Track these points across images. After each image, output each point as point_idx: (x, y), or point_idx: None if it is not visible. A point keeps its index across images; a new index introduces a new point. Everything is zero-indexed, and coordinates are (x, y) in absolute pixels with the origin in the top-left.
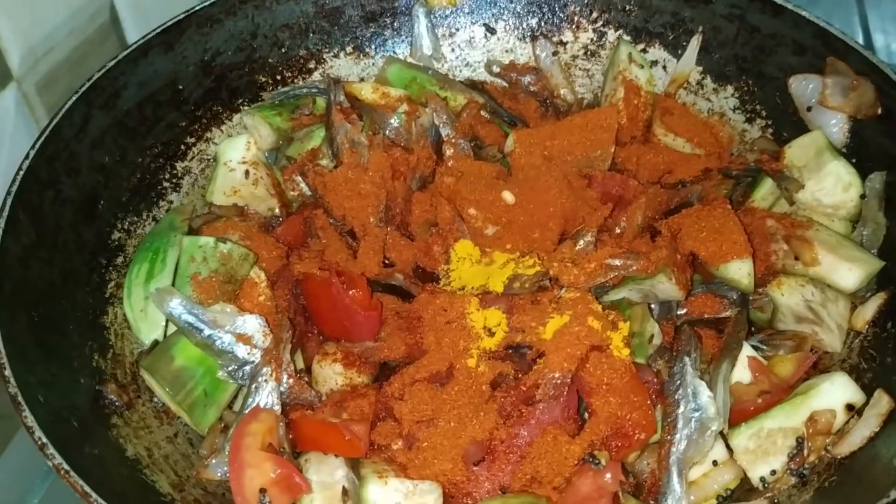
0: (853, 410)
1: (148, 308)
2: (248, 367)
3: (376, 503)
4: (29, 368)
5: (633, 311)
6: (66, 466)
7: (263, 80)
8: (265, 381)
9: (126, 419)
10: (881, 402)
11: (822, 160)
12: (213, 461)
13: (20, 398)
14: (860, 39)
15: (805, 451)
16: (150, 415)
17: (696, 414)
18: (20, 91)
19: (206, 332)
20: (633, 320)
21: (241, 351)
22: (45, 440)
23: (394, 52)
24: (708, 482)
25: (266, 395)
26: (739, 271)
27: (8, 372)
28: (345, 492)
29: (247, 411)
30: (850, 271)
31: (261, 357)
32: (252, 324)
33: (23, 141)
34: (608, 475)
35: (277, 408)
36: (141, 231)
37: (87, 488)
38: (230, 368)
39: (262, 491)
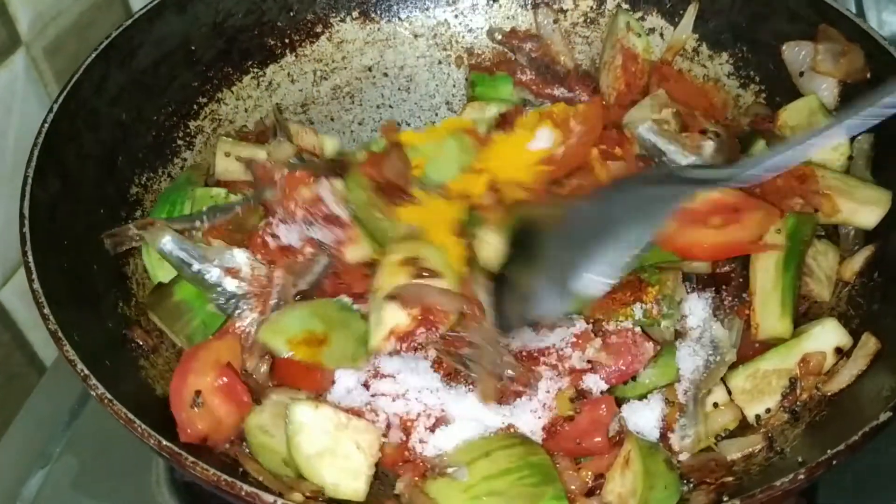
0: (842, 353)
1: None
2: (236, 300)
3: (303, 424)
4: (63, 310)
5: (662, 276)
6: (108, 396)
7: (272, 42)
8: (249, 310)
9: (152, 361)
10: (868, 344)
11: (814, 121)
12: None
13: (60, 333)
14: (852, 7)
15: (797, 391)
16: (173, 358)
17: (712, 345)
18: (29, 55)
19: (196, 266)
20: (662, 284)
21: (230, 284)
22: (87, 372)
23: (398, 18)
24: (708, 422)
25: (247, 323)
26: None
27: (47, 310)
28: None
29: None
30: (872, 212)
31: (248, 287)
32: (240, 257)
33: (33, 105)
34: (603, 408)
35: (253, 337)
36: (157, 187)
37: (130, 415)
38: (220, 302)
39: (197, 393)
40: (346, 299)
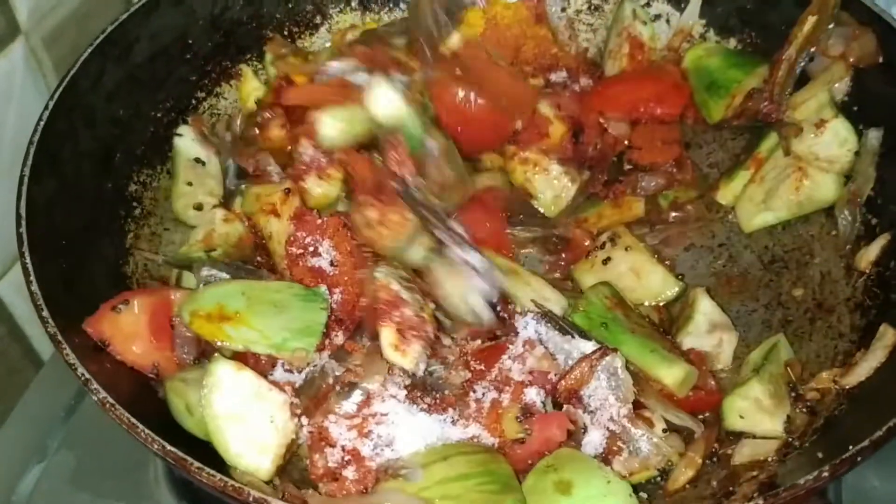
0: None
1: None
2: None
3: (220, 381)
4: (61, 312)
5: None
6: (110, 400)
7: (271, 35)
8: None
9: None
10: (886, 335)
11: (822, 116)
12: None
13: (60, 337)
14: None
15: (799, 390)
16: None
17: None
18: (28, 45)
19: None
20: None
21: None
22: (88, 376)
23: (399, 7)
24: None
25: None
26: None
27: (45, 313)
28: None
29: None
30: None
31: None
32: None
33: (31, 94)
34: (555, 426)
35: None
36: (155, 184)
37: (133, 420)
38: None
39: (126, 301)
40: (322, 289)
